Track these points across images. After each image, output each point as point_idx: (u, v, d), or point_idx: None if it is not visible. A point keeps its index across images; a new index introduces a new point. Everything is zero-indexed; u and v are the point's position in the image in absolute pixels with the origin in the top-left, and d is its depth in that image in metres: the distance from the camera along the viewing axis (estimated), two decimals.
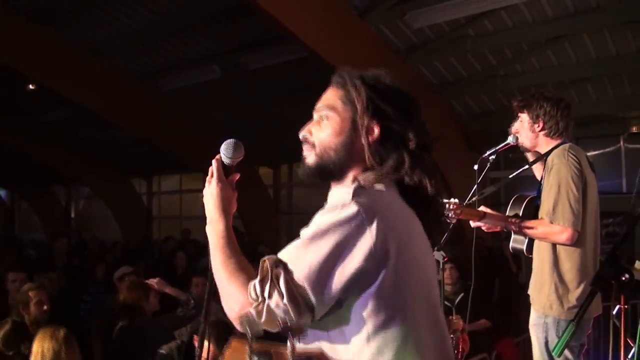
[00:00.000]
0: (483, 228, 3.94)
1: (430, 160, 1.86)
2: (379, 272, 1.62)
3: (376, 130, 1.83)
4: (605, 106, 10.60)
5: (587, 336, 3.78)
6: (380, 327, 1.64)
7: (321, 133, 1.89)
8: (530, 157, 4.21)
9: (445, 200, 3.62)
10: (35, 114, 15.29)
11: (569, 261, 3.67)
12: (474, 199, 4.01)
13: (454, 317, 5.46)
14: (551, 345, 3.63)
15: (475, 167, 4.06)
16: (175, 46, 10.95)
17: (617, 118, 11.13)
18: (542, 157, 3.97)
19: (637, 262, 2.65)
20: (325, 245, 1.62)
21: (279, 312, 1.63)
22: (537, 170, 4.21)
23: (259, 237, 13.27)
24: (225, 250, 1.83)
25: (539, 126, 3.90)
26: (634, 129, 11.06)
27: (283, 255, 1.69)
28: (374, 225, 1.62)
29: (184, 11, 9.70)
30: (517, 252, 4.13)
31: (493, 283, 9.21)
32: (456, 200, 3.63)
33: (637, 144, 11.09)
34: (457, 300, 7.01)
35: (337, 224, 1.63)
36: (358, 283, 1.62)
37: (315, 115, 1.94)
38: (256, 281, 1.66)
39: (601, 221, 3.95)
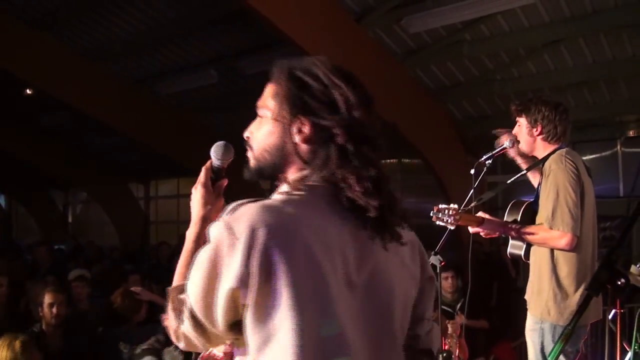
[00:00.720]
0: (481, 234, 3.94)
1: (370, 154, 1.66)
2: (250, 290, 1.51)
3: (305, 128, 1.70)
4: (602, 110, 10.62)
5: (583, 342, 3.78)
6: (262, 346, 1.55)
7: (257, 133, 1.82)
8: (521, 163, 4.23)
9: (444, 206, 3.63)
10: (32, 118, 15.29)
11: (567, 266, 3.66)
12: (472, 204, 4.02)
13: (451, 321, 5.47)
14: (547, 351, 3.63)
15: (472, 171, 4.07)
16: (173, 51, 10.97)
17: (614, 122, 11.15)
18: (538, 163, 3.98)
19: (632, 266, 2.65)
20: (201, 270, 1.57)
21: (191, 337, 1.64)
22: (533, 176, 4.22)
23: None
24: (183, 265, 1.83)
25: (537, 130, 3.90)
26: (631, 133, 11.09)
27: (188, 282, 1.66)
28: (240, 245, 1.51)
29: (182, 16, 9.72)
30: (515, 258, 4.12)
31: (491, 287, 9.21)
32: (455, 206, 3.63)
33: (634, 147, 11.11)
34: (457, 307, 7.05)
35: (210, 246, 1.57)
36: (235, 304, 1.54)
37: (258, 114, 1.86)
38: (171, 309, 1.68)
39: (598, 225, 3.95)
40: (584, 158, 3.96)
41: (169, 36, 10.42)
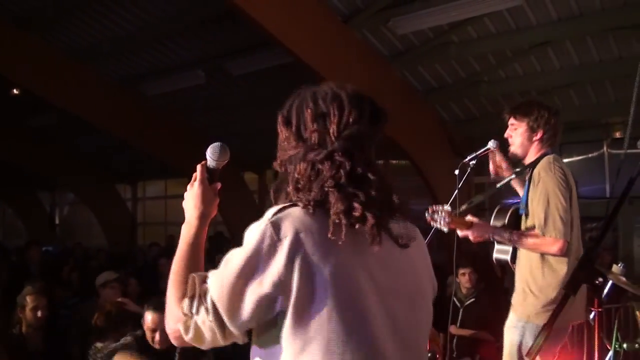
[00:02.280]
0: (470, 237, 3.93)
1: (314, 180, 1.68)
2: (290, 295, 1.54)
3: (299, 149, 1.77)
4: (589, 112, 10.67)
5: (568, 339, 3.78)
6: (299, 352, 1.56)
7: None
8: (501, 167, 4.22)
9: (437, 207, 3.62)
10: (19, 118, 15.21)
11: (556, 270, 3.68)
12: (462, 207, 4.02)
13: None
14: (524, 349, 3.64)
15: (456, 172, 4.07)
16: (161, 51, 10.94)
17: (600, 124, 11.21)
18: (526, 168, 3.97)
19: (614, 265, 2.66)
20: (236, 267, 1.58)
21: (205, 330, 1.63)
22: (516, 182, 4.21)
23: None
24: (184, 258, 1.83)
25: (537, 135, 3.88)
26: (617, 135, 11.15)
27: (212, 273, 1.67)
28: (285, 247, 1.56)
29: (170, 17, 9.70)
30: (501, 263, 4.12)
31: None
32: (448, 209, 3.63)
33: (620, 149, 11.16)
34: (466, 303, 7.19)
35: (250, 245, 1.59)
36: (272, 304, 1.56)
37: None
38: (187, 297, 1.67)
39: (585, 226, 3.97)
40: (571, 159, 3.98)
41: (157, 37, 10.39)
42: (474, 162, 4.09)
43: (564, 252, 3.62)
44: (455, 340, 7.11)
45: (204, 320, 1.62)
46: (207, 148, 2.00)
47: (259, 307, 1.55)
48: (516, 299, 3.88)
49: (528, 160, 3.95)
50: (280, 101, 1.90)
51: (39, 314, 5.26)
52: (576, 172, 3.97)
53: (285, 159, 1.78)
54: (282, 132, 1.81)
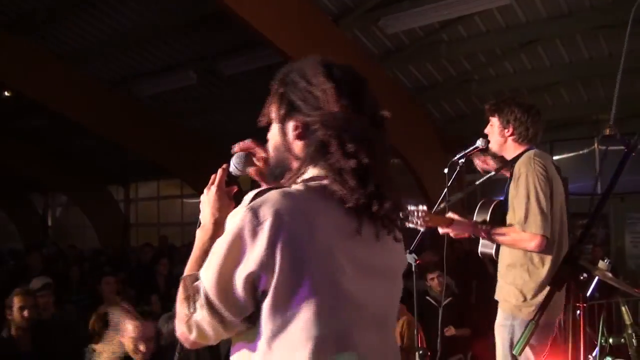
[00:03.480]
0: (451, 234, 3.94)
1: (351, 146, 1.66)
2: (272, 276, 1.55)
3: (296, 127, 1.78)
4: (579, 109, 10.73)
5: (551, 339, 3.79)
6: (278, 331, 1.59)
7: (269, 136, 1.90)
8: (490, 162, 4.24)
9: (413, 208, 3.62)
10: (11, 121, 15.18)
11: (539, 264, 3.69)
12: (441, 205, 4.03)
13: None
14: None
15: (445, 170, 4.09)
16: (152, 52, 10.95)
17: (591, 121, 11.26)
18: (508, 164, 4.00)
19: (600, 261, 2.67)
20: (221, 254, 1.60)
21: (205, 325, 1.64)
22: (506, 175, 4.23)
23: None
24: (197, 263, 1.84)
25: (508, 131, 3.91)
26: (608, 132, 11.18)
27: (202, 269, 1.69)
28: (265, 229, 1.55)
29: (160, 18, 9.70)
30: (486, 257, 4.14)
31: (470, 285, 9.25)
32: (424, 208, 3.62)
33: (610, 145, 11.20)
34: (444, 302, 7.19)
35: (231, 231, 1.60)
36: (257, 288, 1.58)
37: None
38: (184, 299, 1.69)
39: (576, 222, 3.97)
40: (562, 157, 3.99)
41: (147, 38, 10.40)
42: (462, 160, 4.10)
43: (542, 248, 3.63)
44: (439, 339, 7.11)
45: (202, 316, 1.63)
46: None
47: (248, 287, 1.57)
48: (501, 295, 3.89)
49: (509, 156, 3.97)
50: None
51: (25, 313, 5.25)
52: (567, 169, 3.98)
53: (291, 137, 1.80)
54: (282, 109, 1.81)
